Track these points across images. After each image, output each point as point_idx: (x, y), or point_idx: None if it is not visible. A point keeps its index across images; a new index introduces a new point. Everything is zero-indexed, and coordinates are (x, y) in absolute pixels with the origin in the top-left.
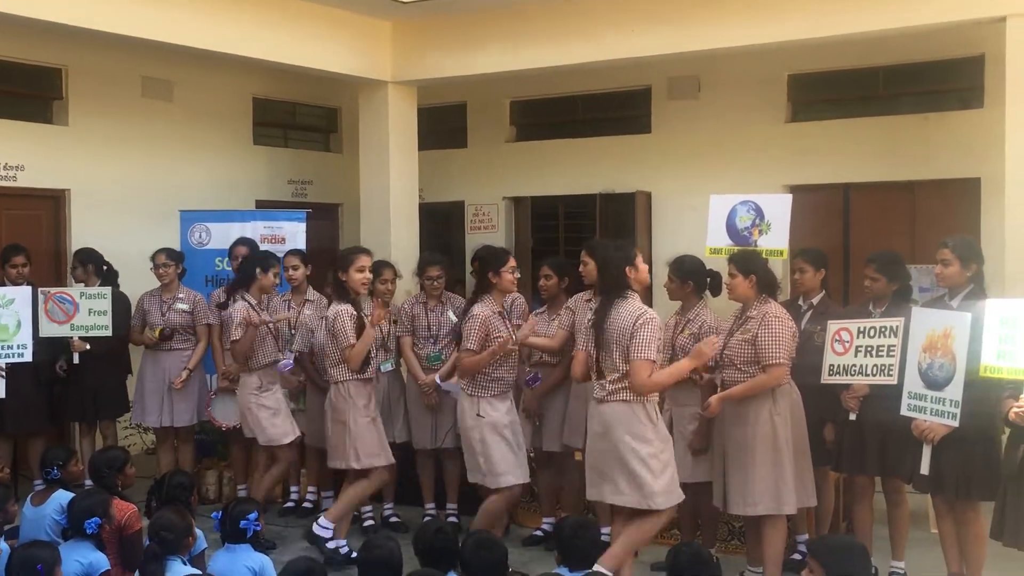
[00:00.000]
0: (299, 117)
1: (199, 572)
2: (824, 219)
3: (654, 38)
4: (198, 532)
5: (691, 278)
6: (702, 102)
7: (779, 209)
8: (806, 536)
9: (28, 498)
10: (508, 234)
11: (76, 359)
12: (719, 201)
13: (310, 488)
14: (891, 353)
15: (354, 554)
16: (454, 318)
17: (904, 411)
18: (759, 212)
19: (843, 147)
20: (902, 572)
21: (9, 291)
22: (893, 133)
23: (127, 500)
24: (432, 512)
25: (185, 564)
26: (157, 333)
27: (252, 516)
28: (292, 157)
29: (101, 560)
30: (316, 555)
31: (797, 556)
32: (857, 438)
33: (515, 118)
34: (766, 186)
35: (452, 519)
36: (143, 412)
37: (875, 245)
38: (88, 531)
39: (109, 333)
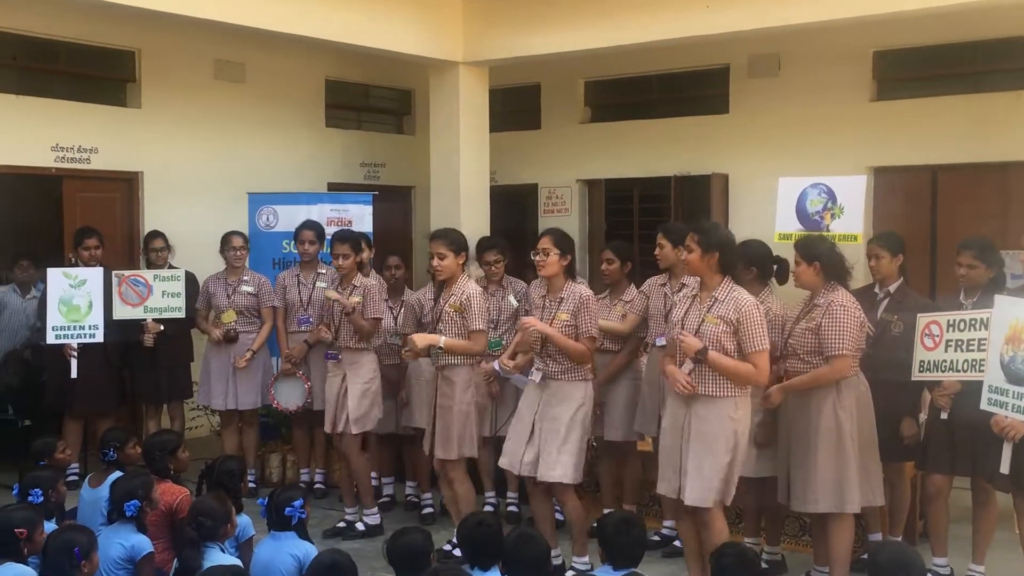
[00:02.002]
0: (372, 99)
1: (237, 561)
2: (910, 203)
3: (733, 14)
4: (246, 519)
5: (755, 264)
6: (783, 80)
7: (853, 191)
8: (879, 535)
9: (86, 480)
10: (581, 217)
11: (151, 342)
12: (788, 184)
13: (319, 470)
14: (982, 347)
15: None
16: (515, 303)
17: (984, 405)
18: (831, 195)
19: (931, 127)
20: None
21: (81, 272)
22: (984, 112)
23: (180, 484)
24: (492, 500)
25: (224, 551)
26: (222, 334)
27: (297, 503)
28: (365, 139)
29: (143, 543)
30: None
31: (867, 556)
32: (946, 436)
33: (589, 98)
34: (849, 168)
35: (512, 508)
36: (208, 394)
37: (964, 230)
38: (127, 513)
39: (183, 314)
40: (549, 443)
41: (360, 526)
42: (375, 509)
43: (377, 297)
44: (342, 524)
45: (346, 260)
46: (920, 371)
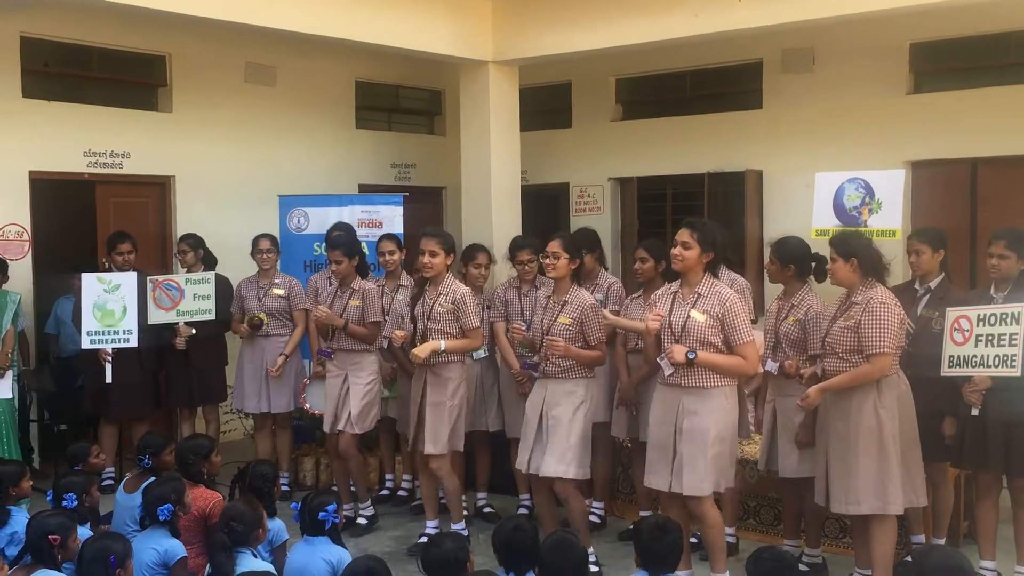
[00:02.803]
0: (403, 100)
1: (269, 566)
2: (950, 197)
3: (765, 8)
4: (279, 523)
5: (793, 261)
6: (817, 75)
7: (891, 186)
8: (922, 537)
9: (121, 484)
10: (614, 216)
11: (183, 345)
12: (825, 179)
13: (405, 476)
14: (1013, 342)
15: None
16: None
17: None
18: (869, 190)
19: (970, 120)
20: None
21: (115, 277)
22: None
23: (213, 488)
24: (527, 503)
25: (256, 556)
26: (246, 324)
27: (331, 508)
28: (395, 140)
29: (177, 547)
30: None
31: (910, 558)
32: (979, 433)
33: (620, 96)
34: (886, 162)
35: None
36: (242, 398)
37: (1005, 224)
38: (161, 518)
39: (213, 317)
40: (552, 440)
41: (361, 520)
42: (369, 502)
43: (376, 301)
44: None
45: (339, 265)
46: (950, 366)
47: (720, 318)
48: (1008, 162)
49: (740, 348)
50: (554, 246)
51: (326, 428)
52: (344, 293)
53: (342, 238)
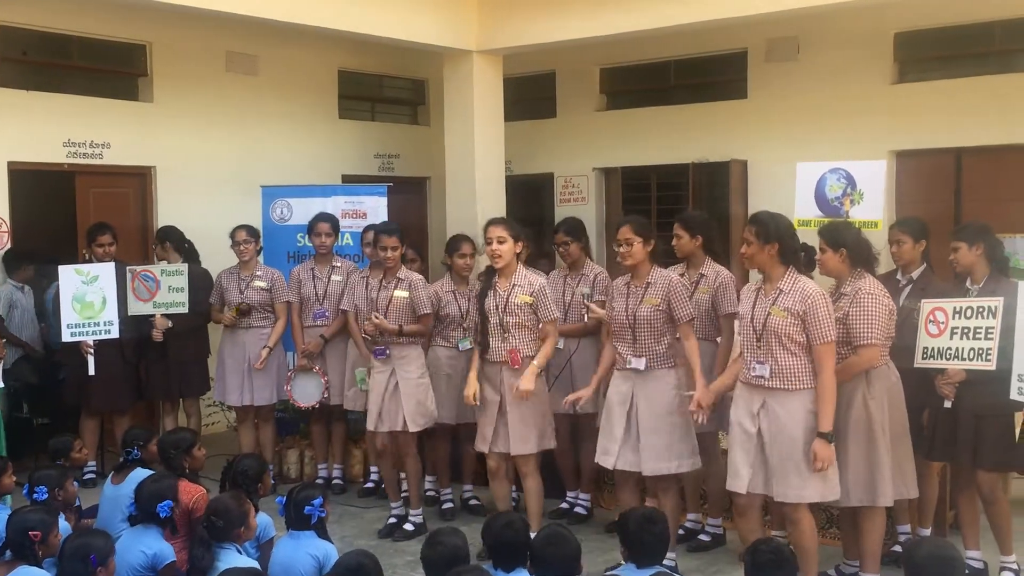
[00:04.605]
0: (386, 90)
1: (254, 563)
2: (934, 187)
3: None
4: (266, 519)
5: None
6: (801, 64)
7: (872, 176)
8: (908, 527)
9: (108, 477)
10: (599, 206)
11: (160, 337)
12: (807, 169)
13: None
14: (989, 336)
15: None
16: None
17: (1014, 395)
18: (850, 180)
19: (955, 109)
20: (1015, 567)
21: (94, 268)
22: (1009, 93)
23: (196, 482)
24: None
25: (240, 552)
26: (235, 311)
27: (317, 502)
28: (379, 130)
29: (166, 551)
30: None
31: (898, 548)
32: (950, 425)
33: (605, 86)
34: (871, 152)
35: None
36: (224, 390)
37: (989, 214)
38: (161, 515)
39: (186, 310)
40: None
41: (408, 526)
42: (420, 509)
43: (424, 291)
44: (393, 520)
45: (394, 252)
46: (923, 358)
47: (802, 315)
48: (993, 152)
49: (817, 348)
50: (625, 232)
51: (370, 426)
52: (389, 284)
53: (395, 224)
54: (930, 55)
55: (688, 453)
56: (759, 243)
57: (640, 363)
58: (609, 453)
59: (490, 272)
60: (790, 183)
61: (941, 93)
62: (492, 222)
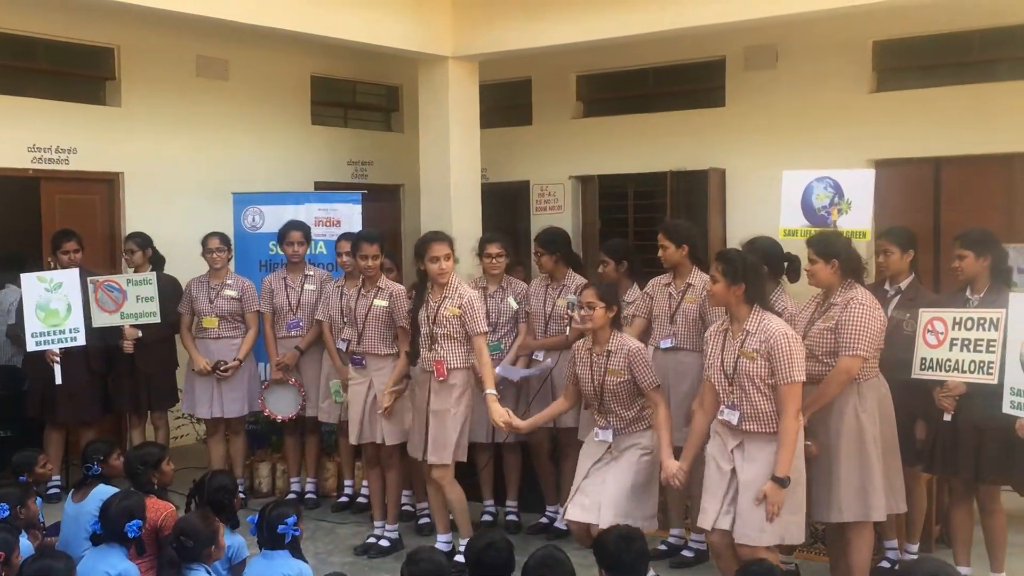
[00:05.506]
0: (359, 96)
1: None
2: (913, 196)
3: (728, 4)
4: (240, 540)
5: (766, 262)
6: (780, 72)
7: (860, 186)
8: (895, 542)
9: (69, 495)
10: (575, 215)
11: (130, 348)
12: (793, 178)
13: (364, 482)
14: (991, 348)
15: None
16: (515, 304)
17: (1007, 409)
18: (838, 189)
19: (933, 118)
20: None
21: (56, 275)
22: (988, 102)
23: (165, 499)
24: (491, 509)
25: (210, 573)
26: (211, 366)
27: (291, 520)
28: (352, 137)
29: (132, 572)
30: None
31: (885, 564)
32: (951, 438)
33: (582, 93)
34: (849, 161)
35: (512, 517)
36: (193, 403)
37: (969, 223)
38: (130, 535)
39: (158, 319)
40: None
41: (384, 542)
42: (396, 525)
43: (404, 302)
44: (372, 539)
45: (375, 261)
46: (921, 369)
47: (766, 355)
48: (972, 161)
49: (781, 388)
50: (589, 296)
51: (352, 440)
52: (369, 293)
53: (376, 232)
54: (909, 64)
55: (641, 517)
56: (725, 282)
57: (607, 435)
58: (574, 503)
59: (422, 283)
60: (768, 191)
61: (920, 102)
62: (437, 238)
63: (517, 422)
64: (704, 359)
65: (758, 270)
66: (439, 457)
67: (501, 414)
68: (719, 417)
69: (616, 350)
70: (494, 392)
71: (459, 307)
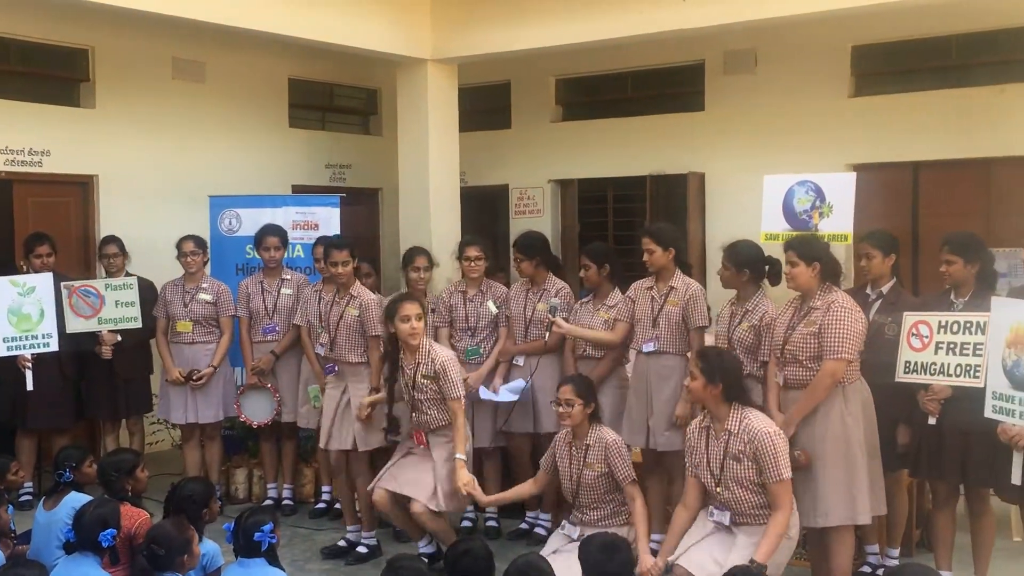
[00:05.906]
0: (337, 98)
1: None
2: (891, 200)
3: (708, 8)
4: (214, 548)
5: (747, 265)
6: (759, 77)
7: (842, 189)
8: (876, 547)
9: (40, 502)
10: (554, 219)
11: (109, 354)
12: (774, 182)
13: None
14: (978, 352)
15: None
16: (494, 309)
17: (988, 413)
18: (819, 193)
19: (912, 122)
20: None
21: (29, 279)
22: (966, 106)
23: (139, 506)
24: (470, 515)
25: None
26: (184, 376)
27: (267, 528)
28: (330, 140)
29: None
30: None
31: (866, 569)
32: (936, 442)
33: (561, 97)
34: (828, 165)
35: (491, 523)
36: (168, 408)
37: (947, 228)
38: (104, 544)
39: (139, 324)
40: None
41: (362, 548)
42: (373, 531)
43: (376, 311)
44: (343, 543)
45: (345, 268)
46: (906, 372)
47: (752, 456)
48: (950, 166)
49: (771, 487)
50: (566, 392)
51: (321, 444)
52: (342, 300)
53: (347, 239)
54: (887, 69)
55: None
56: (703, 380)
57: (574, 532)
58: None
59: (394, 352)
60: (747, 195)
61: (898, 107)
62: (406, 298)
63: (479, 495)
64: (687, 456)
65: (737, 369)
66: (437, 505)
67: (467, 482)
68: (709, 518)
69: (594, 444)
70: (463, 457)
71: (433, 372)
